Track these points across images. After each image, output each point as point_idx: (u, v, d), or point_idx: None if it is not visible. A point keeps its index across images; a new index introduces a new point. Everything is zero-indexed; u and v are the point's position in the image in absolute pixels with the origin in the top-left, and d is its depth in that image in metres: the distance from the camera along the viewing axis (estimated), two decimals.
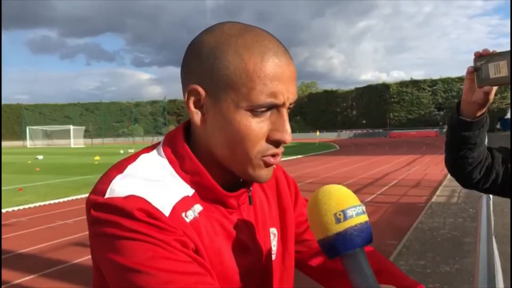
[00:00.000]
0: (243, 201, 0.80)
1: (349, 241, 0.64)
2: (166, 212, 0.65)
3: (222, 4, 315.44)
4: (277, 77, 0.67)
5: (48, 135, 67.52)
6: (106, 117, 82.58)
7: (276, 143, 0.71)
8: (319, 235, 0.66)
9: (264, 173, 0.73)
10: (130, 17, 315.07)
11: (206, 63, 0.68)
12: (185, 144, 0.74)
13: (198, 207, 0.71)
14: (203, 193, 0.73)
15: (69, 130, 57.61)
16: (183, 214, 0.68)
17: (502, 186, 1.31)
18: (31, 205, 9.17)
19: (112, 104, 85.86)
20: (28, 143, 60.67)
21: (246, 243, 0.78)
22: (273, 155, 0.71)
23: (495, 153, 1.32)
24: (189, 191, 0.72)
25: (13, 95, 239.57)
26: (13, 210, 8.67)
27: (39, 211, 8.60)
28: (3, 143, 64.44)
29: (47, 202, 9.51)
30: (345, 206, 0.65)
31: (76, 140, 57.71)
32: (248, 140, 0.69)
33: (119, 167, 0.71)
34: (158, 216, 0.64)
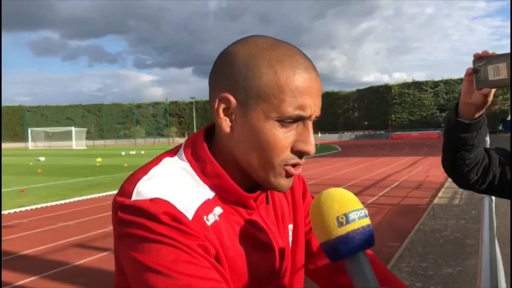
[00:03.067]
0: (262, 201, 0.82)
1: (351, 244, 0.64)
2: (190, 215, 0.67)
3: (224, 6, 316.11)
4: (306, 91, 0.70)
5: (49, 137, 67.60)
6: (107, 119, 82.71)
7: (299, 154, 0.73)
8: (321, 238, 0.67)
9: (285, 183, 0.75)
10: (133, 19, 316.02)
11: (239, 73, 0.71)
12: (206, 148, 0.76)
13: (218, 210, 0.73)
14: (223, 195, 0.75)
15: (70, 132, 57.78)
16: (205, 218, 0.70)
17: (499, 187, 1.31)
18: (33, 207, 9.19)
19: (113, 105, 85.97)
20: (30, 144, 60.80)
21: (267, 243, 0.81)
22: (295, 166, 0.74)
23: (492, 154, 1.32)
24: (210, 194, 0.74)
25: (15, 96, 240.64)
26: (14, 212, 8.68)
27: (41, 212, 8.61)
28: (5, 145, 64.61)
29: (48, 204, 9.52)
30: (348, 209, 0.66)
31: (77, 141, 57.88)
32: (274, 149, 0.71)
33: (144, 169, 0.74)
34: (182, 220, 0.66)
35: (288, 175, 0.74)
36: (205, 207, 0.71)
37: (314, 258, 0.97)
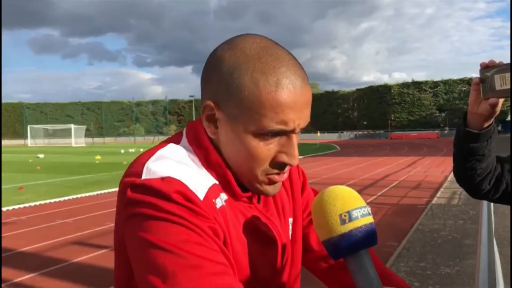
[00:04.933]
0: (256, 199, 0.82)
1: (353, 242, 0.64)
2: (201, 196, 0.67)
3: (224, 5, 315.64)
4: (289, 106, 0.68)
5: (49, 134, 67.55)
6: (107, 117, 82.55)
7: (282, 165, 0.73)
8: (324, 235, 0.67)
9: (270, 189, 0.76)
10: (133, 17, 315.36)
11: (223, 81, 0.70)
12: (206, 137, 0.76)
13: (224, 196, 0.73)
14: (225, 184, 0.75)
15: (70, 129, 57.62)
16: (214, 200, 0.70)
17: None
18: (32, 204, 9.18)
19: (113, 103, 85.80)
20: (29, 142, 60.69)
21: (270, 236, 0.80)
22: (279, 174, 0.74)
23: (504, 162, 1.30)
24: (215, 180, 0.74)
25: (15, 94, 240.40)
26: (13, 209, 8.68)
27: (40, 210, 8.61)
28: (4, 142, 64.55)
29: (47, 201, 9.52)
30: (351, 207, 0.65)
31: (77, 139, 57.76)
32: (255, 160, 0.71)
33: (150, 152, 0.73)
34: (194, 200, 0.65)
35: (272, 182, 0.74)
36: (213, 191, 0.71)
37: (313, 254, 0.96)
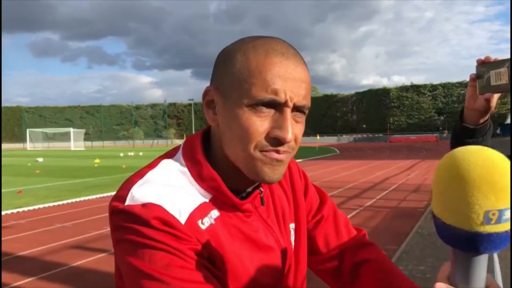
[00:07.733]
0: (259, 202, 0.82)
1: (491, 245, 0.51)
2: (183, 219, 0.67)
3: (224, 8, 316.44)
4: (279, 75, 0.68)
5: (48, 138, 67.48)
6: (106, 120, 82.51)
7: (276, 141, 0.70)
8: (456, 222, 0.52)
9: (268, 170, 0.71)
10: (132, 21, 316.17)
11: (220, 66, 0.74)
12: (201, 151, 0.76)
13: (215, 213, 0.73)
14: (220, 198, 0.75)
15: (69, 133, 57.68)
16: (199, 222, 0.70)
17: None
18: (31, 208, 9.16)
19: (112, 107, 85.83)
20: (28, 145, 60.71)
21: (268, 244, 0.80)
22: (277, 151, 0.70)
23: None
24: (207, 197, 0.74)
25: (15, 97, 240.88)
26: (12, 213, 8.66)
27: (39, 213, 8.59)
28: (3, 145, 64.50)
29: (46, 205, 9.50)
30: (504, 205, 0.49)
31: (76, 143, 57.77)
32: (249, 135, 0.69)
33: (139, 173, 0.74)
34: (174, 225, 0.66)
35: (269, 160, 0.70)
36: (200, 211, 0.71)
37: (320, 256, 0.96)
